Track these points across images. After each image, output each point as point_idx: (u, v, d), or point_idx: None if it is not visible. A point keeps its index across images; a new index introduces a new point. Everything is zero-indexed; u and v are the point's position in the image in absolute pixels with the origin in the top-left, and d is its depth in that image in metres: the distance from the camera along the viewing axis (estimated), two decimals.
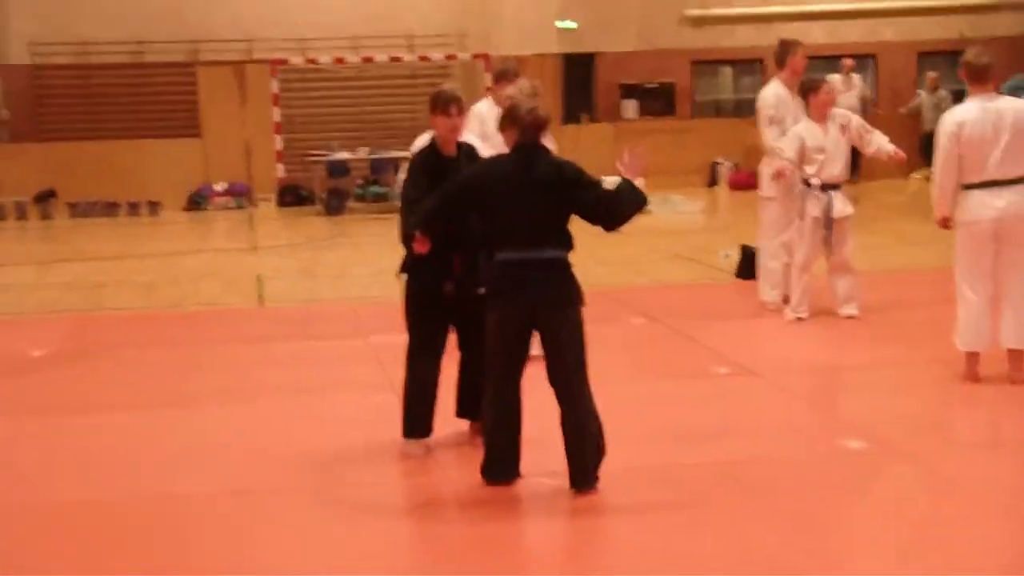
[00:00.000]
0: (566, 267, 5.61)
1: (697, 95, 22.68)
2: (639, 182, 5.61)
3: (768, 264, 9.87)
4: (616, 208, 5.58)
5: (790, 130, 9.38)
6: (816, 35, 22.03)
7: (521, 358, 5.63)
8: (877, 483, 5.94)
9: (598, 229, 5.67)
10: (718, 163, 21.48)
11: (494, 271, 5.63)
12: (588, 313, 5.65)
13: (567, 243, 5.60)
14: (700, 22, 22.45)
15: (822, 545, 5.09)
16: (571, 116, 21.32)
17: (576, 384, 5.57)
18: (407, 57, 21.00)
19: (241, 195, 20.48)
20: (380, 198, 19.52)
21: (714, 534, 5.15)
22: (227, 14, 21.39)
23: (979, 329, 7.31)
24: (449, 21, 21.67)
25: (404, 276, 6.25)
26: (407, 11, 21.56)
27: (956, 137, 7.19)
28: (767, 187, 9.87)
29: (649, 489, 5.72)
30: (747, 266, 10.84)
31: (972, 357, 7.37)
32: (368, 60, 20.84)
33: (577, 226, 5.60)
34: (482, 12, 21.60)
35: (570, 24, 21.58)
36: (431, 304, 6.16)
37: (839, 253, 9.30)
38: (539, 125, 5.62)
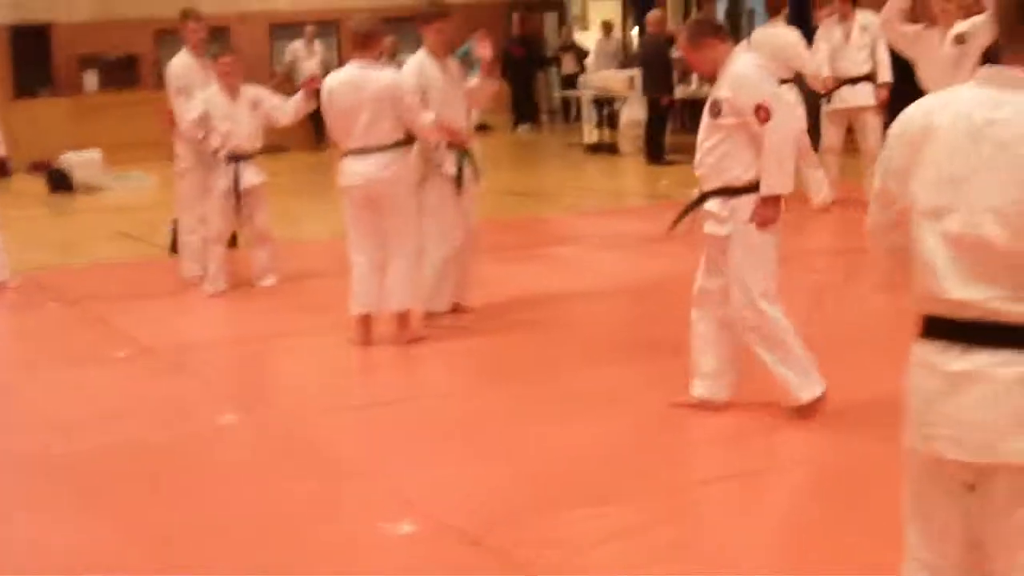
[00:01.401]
0: None
1: (163, 66, 21.97)
2: None
3: (186, 238, 9.68)
4: None
5: (196, 99, 9.20)
6: (281, 2, 22.00)
7: None
8: (250, 456, 5.91)
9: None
10: None
11: None
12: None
13: None
14: None
15: (210, 520, 4.99)
16: (26, 90, 20.08)
17: None
18: None
19: None
20: None
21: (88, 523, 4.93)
22: None
23: (365, 292, 7.48)
24: None
25: None
26: None
27: (328, 104, 7.38)
28: (181, 159, 9.66)
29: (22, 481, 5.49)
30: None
31: (361, 320, 7.53)
32: None
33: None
34: None
35: None
36: None
37: (254, 224, 9.27)
38: None
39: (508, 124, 21.85)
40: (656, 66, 15.98)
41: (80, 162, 16.61)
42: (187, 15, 9.69)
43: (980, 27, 8.76)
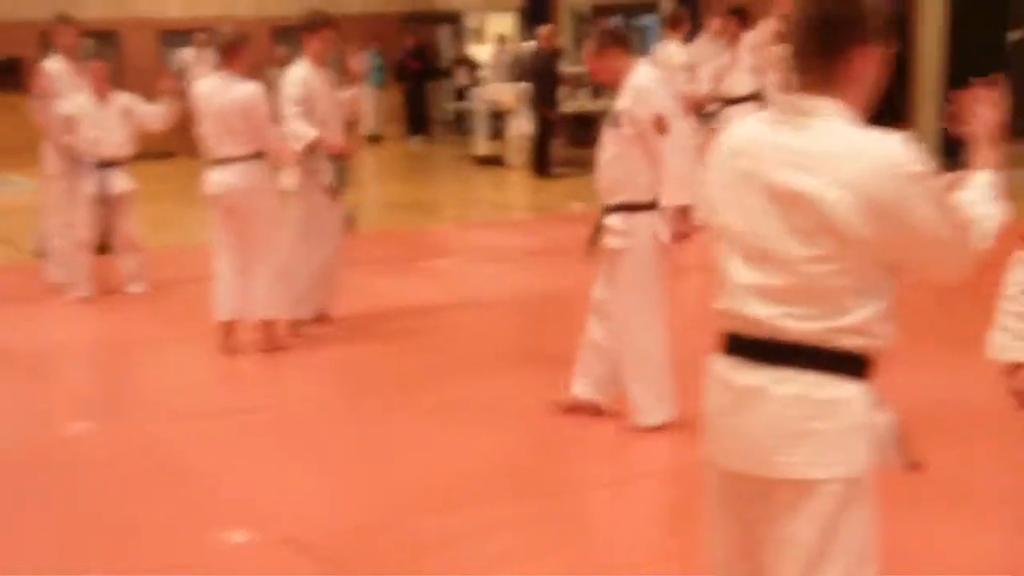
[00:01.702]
0: None
1: None
2: None
3: (53, 243, 9.52)
4: None
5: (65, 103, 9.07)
6: (173, 9, 21.80)
7: None
8: (102, 463, 5.83)
9: None
10: None
11: None
12: None
13: None
14: None
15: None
16: None
17: None
18: None
19: None
20: None
21: None
22: None
23: (229, 300, 7.43)
24: None
25: None
26: None
27: (195, 112, 7.38)
28: (50, 163, 9.49)
29: None
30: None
31: (226, 327, 7.49)
32: None
33: None
34: None
35: None
36: None
37: (121, 230, 9.15)
38: None
39: (401, 135, 21.85)
40: (544, 80, 16.10)
41: None
42: (60, 19, 9.55)
43: None
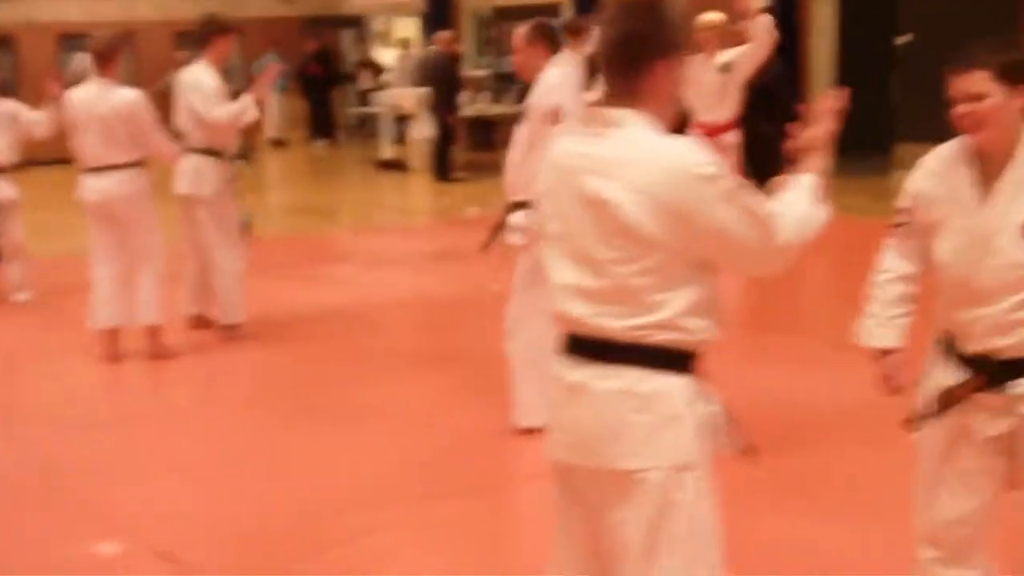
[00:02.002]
0: None
1: None
2: None
3: None
4: None
5: None
6: (72, 12, 21.50)
7: None
8: None
9: None
10: None
11: None
12: None
13: None
14: None
15: None
16: None
17: None
18: None
19: None
20: None
21: None
22: None
23: (109, 307, 7.39)
24: None
25: None
26: None
27: (68, 119, 7.45)
28: None
29: None
30: None
31: (107, 336, 7.44)
32: None
33: None
34: None
35: None
36: None
37: (6, 238, 9.05)
38: None
39: (306, 140, 21.77)
40: (444, 84, 16.16)
41: None
42: None
43: (741, 57, 9.18)
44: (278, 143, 21.47)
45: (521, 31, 5.94)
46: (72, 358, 7.65)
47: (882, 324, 3.45)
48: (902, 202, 3.40)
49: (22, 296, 9.11)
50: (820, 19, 15.81)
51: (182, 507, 5.19)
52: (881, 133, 14.25)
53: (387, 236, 12.87)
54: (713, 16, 9.25)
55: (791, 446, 5.55)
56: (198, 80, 7.62)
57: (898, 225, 3.41)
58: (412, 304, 9.26)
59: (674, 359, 2.73)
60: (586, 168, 2.72)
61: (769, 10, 15.05)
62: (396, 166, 17.96)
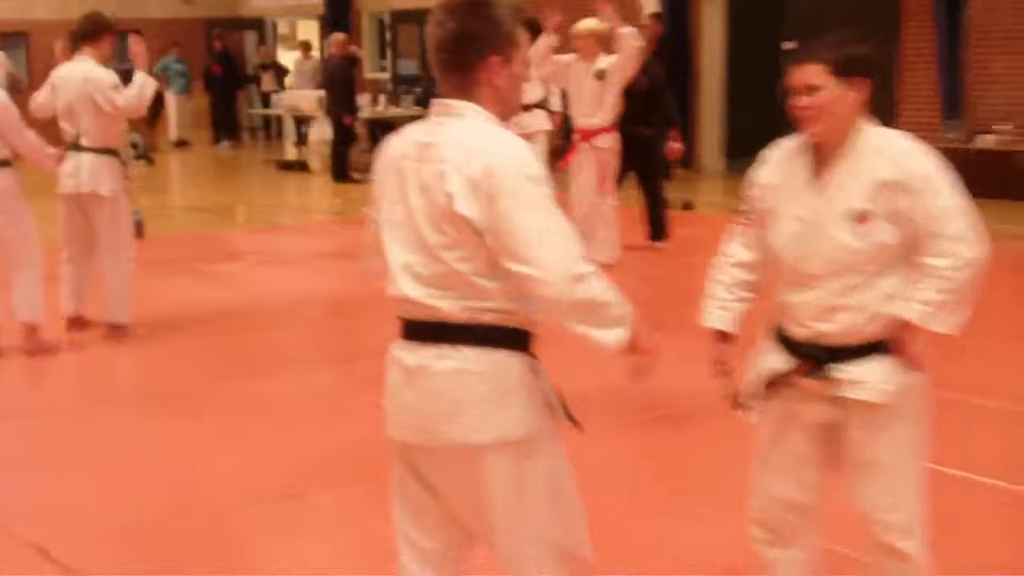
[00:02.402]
0: None
1: None
2: None
3: None
4: None
5: None
6: None
7: None
8: None
9: None
10: None
11: None
12: None
13: None
14: None
15: None
16: None
17: None
18: None
19: None
20: None
21: None
22: None
23: None
24: None
25: None
26: None
27: None
28: None
29: None
30: None
31: None
32: None
33: None
34: None
35: None
36: None
37: None
38: None
39: (209, 141, 21.70)
40: (340, 87, 16.26)
41: None
42: None
43: (617, 63, 9.43)
44: (181, 143, 21.39)
45: None
46: None
47: (721, 307, 3.50)
48: (747, 192, 3.50)
49: None
50: (709, 29, 16.14)
51: (56, 501, 5.14)
52: (769, 135, 14.56)
53: (282, 235, 12.93)
54: (591, 23, 9.49)
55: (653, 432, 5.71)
56: (91, 74, 7.62)
57: (743, 213, 3.51)
58: (304, 302, 9.26)
59: (508, 337, 2.85)
60: (423, 156, 2.84)
61: (659, 16, 15.43)
62: (298, 167, 18.03)
